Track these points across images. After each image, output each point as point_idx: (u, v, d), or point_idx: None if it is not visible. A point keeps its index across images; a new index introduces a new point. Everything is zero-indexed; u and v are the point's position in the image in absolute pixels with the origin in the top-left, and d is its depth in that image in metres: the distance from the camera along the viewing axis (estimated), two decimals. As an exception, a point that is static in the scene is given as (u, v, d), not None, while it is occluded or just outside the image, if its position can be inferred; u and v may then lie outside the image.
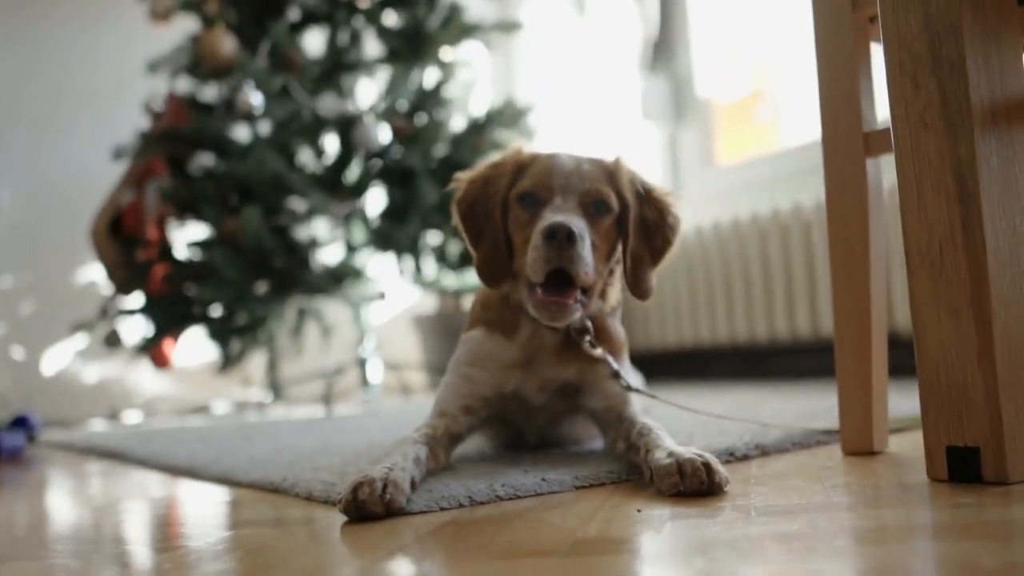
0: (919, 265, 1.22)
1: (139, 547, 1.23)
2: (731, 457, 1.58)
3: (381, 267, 4.00)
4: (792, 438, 1.69)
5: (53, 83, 4.74)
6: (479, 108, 4.06)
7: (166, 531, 1.38)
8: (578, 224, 1.49)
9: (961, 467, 1.19)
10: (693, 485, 1.24)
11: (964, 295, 1.18)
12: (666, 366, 4.37)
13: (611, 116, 4.93)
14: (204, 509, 1.55)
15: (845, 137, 1.53)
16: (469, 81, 4.14)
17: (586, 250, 1.49)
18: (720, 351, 4.04)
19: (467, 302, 4.82)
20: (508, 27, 4.14)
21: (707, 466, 1.24)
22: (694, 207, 4.21)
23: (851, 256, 1.53)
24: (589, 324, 1.62)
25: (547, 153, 1.62)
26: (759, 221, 3.64)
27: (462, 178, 1.70)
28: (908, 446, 1.59)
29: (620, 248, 1.63)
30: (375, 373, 3.95)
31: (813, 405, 2.32)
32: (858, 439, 1.54)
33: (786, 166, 3.85)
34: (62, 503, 1.77)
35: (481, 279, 1.65)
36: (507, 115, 3.93)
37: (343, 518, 1.24)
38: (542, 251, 1.48)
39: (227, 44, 3.47)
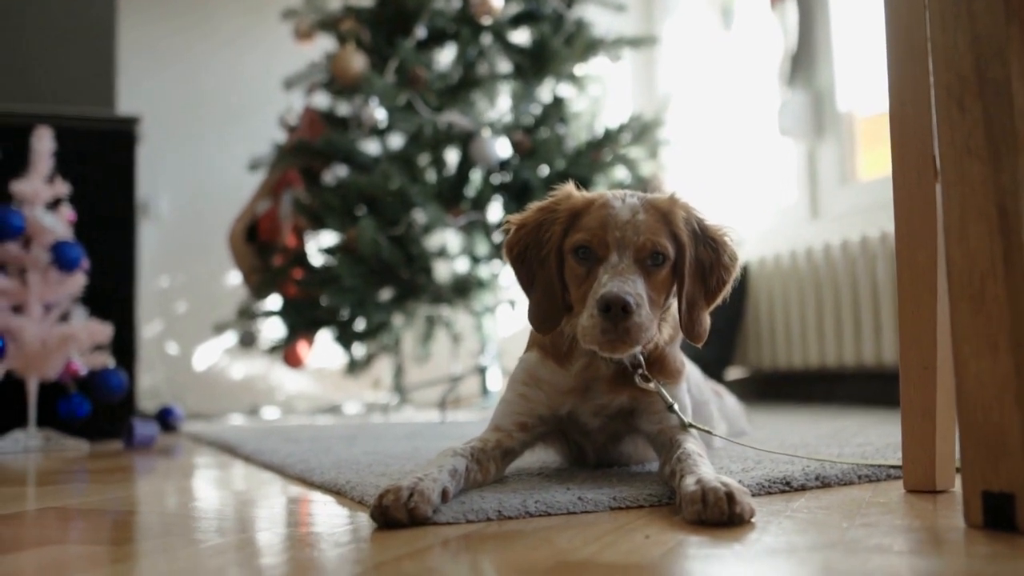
0: (960, 297, 1.16)
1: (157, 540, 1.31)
2: (786, 487, 1.53)
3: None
4: (858, 471, 1.63)
5: (206, 99, 5.10)
6: (611, 122, 4.05)
7: (197, 524, 1.46)
8: (634, 290, 1.47)
9: (996, 514, 1.12)
10: (714, 515, 1.21)
11: (1003, 330, 1.11)
12: (792, 387, 4.24)
13: (749, 131, 4.82)
14: (269, 503, 1.64)
15: (915, 160, 1.46)
16: (598, 96, 4.15)
17: (643, 315, 1.47)
18: (846, 374, 3.88)
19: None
20: (640, 42, 4.13)
21: (730, 496, 1.22)
22: (832, 224, 4.06)
23: (918, 283, 1.45)
24: (641, 359, 1.60)
25: (601, 200, 1.58)
26: (888, 240, 3.48)
27: (513, 221, 1.67)
28: (978, 487, 1.50)
29: (676, 290, 1.61)
30: (494, 381, 4.01)
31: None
32: (920, 476, 1.46)
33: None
34: (143, 490, 1.90)
35: (532, 325, 1.64)
36: (633, 130, 3.91)
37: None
38: (598, 321, 1.46)
39: (357, 61, 3.62)
